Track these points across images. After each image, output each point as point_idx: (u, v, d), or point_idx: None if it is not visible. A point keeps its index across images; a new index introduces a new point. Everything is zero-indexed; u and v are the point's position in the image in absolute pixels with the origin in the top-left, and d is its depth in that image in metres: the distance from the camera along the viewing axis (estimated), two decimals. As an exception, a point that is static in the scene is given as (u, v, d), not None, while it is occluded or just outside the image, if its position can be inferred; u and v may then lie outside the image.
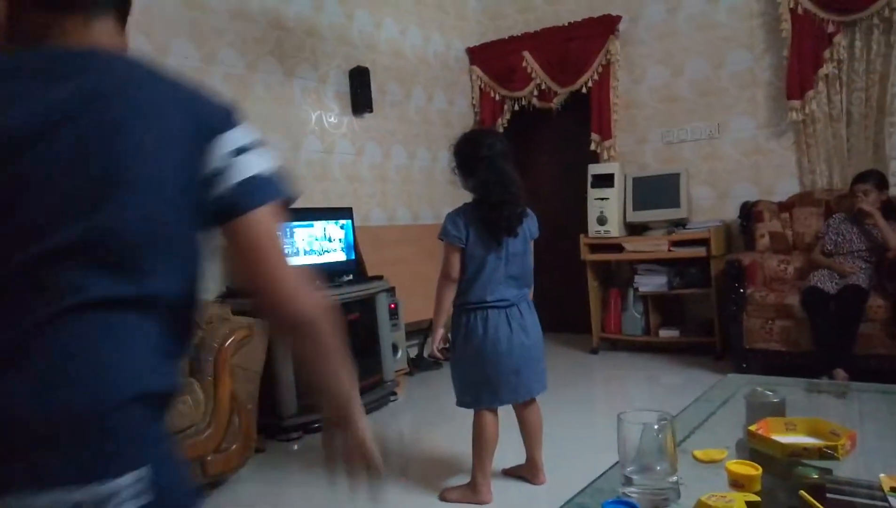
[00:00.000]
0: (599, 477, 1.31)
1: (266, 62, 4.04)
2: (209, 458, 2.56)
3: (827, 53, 4.19)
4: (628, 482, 1.21)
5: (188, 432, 2.48)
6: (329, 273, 3.76)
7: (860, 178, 3.78)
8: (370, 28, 4.78)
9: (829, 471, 1.26)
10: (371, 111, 4.65)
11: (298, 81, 4.24)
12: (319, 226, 3.84)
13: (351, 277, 3.86)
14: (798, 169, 4.48)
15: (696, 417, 1.69)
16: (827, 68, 4.20)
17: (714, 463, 1.34)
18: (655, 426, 1.24)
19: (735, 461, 1.27)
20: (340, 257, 3.93)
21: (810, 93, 4.25)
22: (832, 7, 4.14)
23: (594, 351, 4.88)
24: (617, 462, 1.29)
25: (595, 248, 4.87)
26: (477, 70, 5.66)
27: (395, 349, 4.04)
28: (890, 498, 1.10)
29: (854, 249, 3.76)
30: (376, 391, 3.77)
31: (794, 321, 3.70)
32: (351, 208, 4.11)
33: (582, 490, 1.27)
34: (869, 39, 4.11)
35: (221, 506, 2.56)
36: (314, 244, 3.79)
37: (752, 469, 1.20)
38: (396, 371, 4.04)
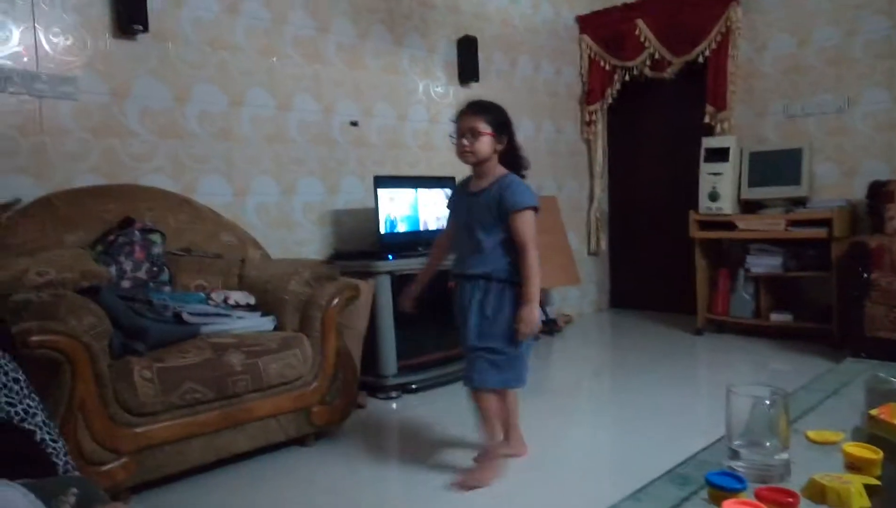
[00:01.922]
0: (704, 450, 1.29)
1: (376, 31, 4.11)
2: (314, 409, 2.70)
3: (982, 18, 3.78)
4: (735, 455, 1.18)
5: (296, 383, 2.62)
6: (432, 240, 3.82)
7: None
8: (479, -4, 4.76)
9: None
10: (477, 80, 4.65)
11: (407, 50, 4.29)
12: (424, 194, 3.91)
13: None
14: (939, 146, 4.10)
15: (810, 399, 1.62)
16: (981, 34, 3.80)
17: (828, 445, 1.28)
18: (767, 402, 1.21)
19: (853, 443, 1.21)
20: (443, 225, 3.98)
21: (959, 62, 3.86)
22: None
23: (699, 332, 4.72)
24: (722, 437, 1.26)
25: (705, 225, 4.67)
26: (587, 38, 5.52)
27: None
28: None
29: None
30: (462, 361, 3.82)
31: (924, 310, 3.42)
32: (454, 178, 4.15)
33: (684, 461, 1.25)
34: None
35: (325, 454, 2.70)
36: (419, 212, 3.86)
37: (871, 453, 1.15)
38: (493, 340, 4.07)
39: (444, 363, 3.66)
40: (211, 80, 3.38)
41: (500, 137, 2.35)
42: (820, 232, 4.13)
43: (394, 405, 3.39)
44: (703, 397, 3.43)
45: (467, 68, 4.57)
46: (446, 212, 2.59)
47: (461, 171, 4.47)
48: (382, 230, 3.67)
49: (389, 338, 3.46)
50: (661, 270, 5.50)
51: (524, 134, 5.11)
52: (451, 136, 2.42)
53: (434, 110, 4.48)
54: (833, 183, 4.51)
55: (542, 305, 4.86)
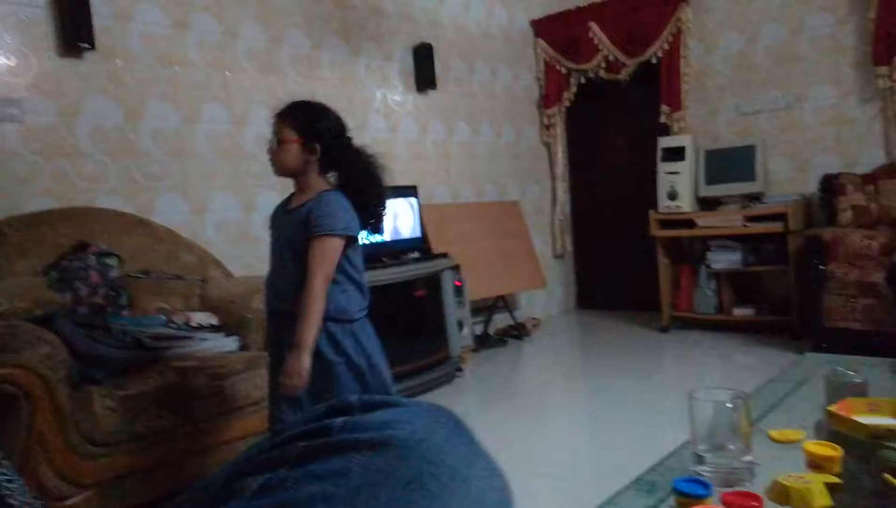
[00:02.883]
0: (670, 456, 1.30)
1: (331, 41, 4.09)
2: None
3: (919, 13, 3.92)
4: (700, 460, 1.19)
5: (263, 404, 2.58)
6: (396, 251, 3.81)
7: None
8: (433, 3, 4.76)
9: (914, 454, 1.21)
10: (435, 88, 4.65)
11: (363, 59, 4.27)
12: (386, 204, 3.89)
13: (417, 254, 3.90)
14: (884, 139, 4.23)
15: (772, 396, 1.65)
16: (919, 30, 3.93)
17: (790, 444, 1.30)
18: (729, 405, 1.22)
19: (814, 441, 1.23)
20: (406, 234, 3.98)
21: (900, 57, 3.99)
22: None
23: (664, 329, 4.79)
24: (687, 441, 1.27)
25: (665, 224, 4.75)
26: (542, 43, 5.57)
27: (460, 325, 4.07)
28: (984, 484, 1.04)
29: (947, 222, 3.54)
30: (442, 366, 3.82)
31: (878, 298, 3.52)
32: (416, 187, 4.15)
33: (652, 468, 1.26)
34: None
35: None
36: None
37: (832, 451, 1.17)
38: (462, 348, 4.08)
39: (415, 375, 3.64)
40: (163, 96, 3.32)
41: (311, 146, 1.96)
42: (776, 226, 4.23)
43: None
44: (672, 394, 3.47)
45: (424, 76, 4.57)
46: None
47: (425, 180, 4.50)
48: (345, 243, 3.64)
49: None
50: (625, 269, 5.57)
51: (484, 139, 5.14)
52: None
53: (393, 119, 4.47)
54: (787, 178, 4.62)
55: (511, 310, 4.91)
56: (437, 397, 3.63)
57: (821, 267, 3.73)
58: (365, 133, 4.26)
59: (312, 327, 1.84)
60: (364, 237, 2.16)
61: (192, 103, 3.42)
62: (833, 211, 4.13)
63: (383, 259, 3.56)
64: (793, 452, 1.24)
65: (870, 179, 4.11)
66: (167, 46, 3.33)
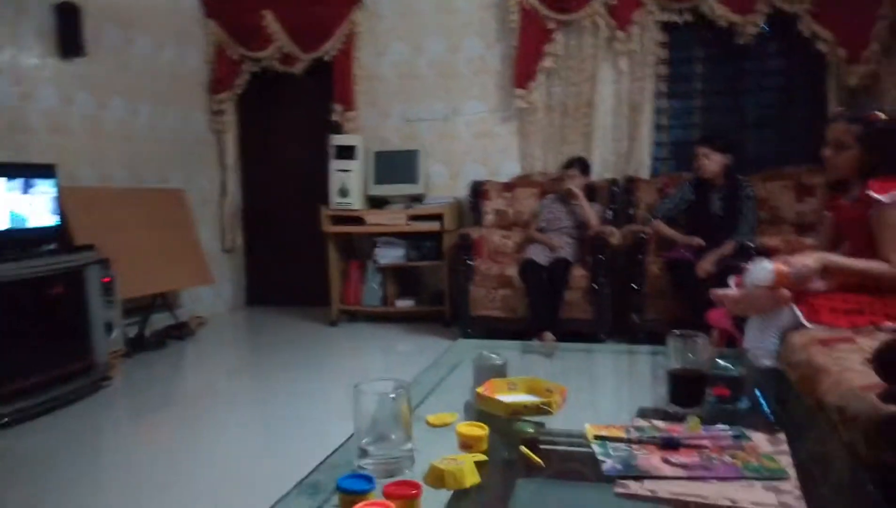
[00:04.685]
0: (334, 452, 1.27)
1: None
2: None
3: (548, 48, 4.62)
4: (364, 454, 1.18)
5: None
6: (24, 241, 3.19)
7: (568, 164, 4.28)
8: (81, -42, 4.13)
9: (542, 425, 1.37)
10: (83, 55, 4.03)
11: (-17, 7, 3.50)
12: (10, 185, 3.23)
13: (54, 246, 3.32)
14: (519, 153, 4.91)
15: (429, 383, 1.74)
16: (547, 62, 4.64)
17: (446, 427, 1.38)
18: (392, 395, 1.23)
19: (464, 423, 1.31)
20: (40, 221, 3.36)
21: (532, 83, 4.66)
22: (553, 6, 4.57)
23: (333, 323, 4.87)
24: (353, 435, 1.26)
25: (337, 220, 4.84)
26: (213, 24, 5.23)
27: (108, 328, 3.58)
28: (593, 445, 1.22)
29: (563, 226, 4.24)
30: (85, 376, 3.32)
31: (513, 289, 4.07)
32: (54, 166, 3.53)
33: (316, 467, 1.21)
34: (581, 40, 4.62)
35: None
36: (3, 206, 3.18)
37: (479, 430, 1.25)
38: (111, 353, 3.59)
39: (47, 388, 3.09)
40: None
41: None
42: (434, 226, 4.62)
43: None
44: (340, 388, 3.51)
45: (69, 39, 3.93)
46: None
47: (67, 159, 3.85)
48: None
49: None
50: (297, 264, 5.54)
51: (145, 120, 4.64)
52: None
53: (27, 86, 3.75)
54: (444, 182, 5.07)
55: (173, 308, 4.50)
56: (79, 411, 3.14)
57: (469, 262, 4.17)
58: (-17, 97, 3.51)
59: None
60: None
61: None
62: (480, 213, 4.66)
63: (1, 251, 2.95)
64: (448, 435, 1.30)
65: (509, 187, 4.73)
66: None
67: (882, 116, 2.19)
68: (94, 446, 2.82)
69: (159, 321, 4.55)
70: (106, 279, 3.57)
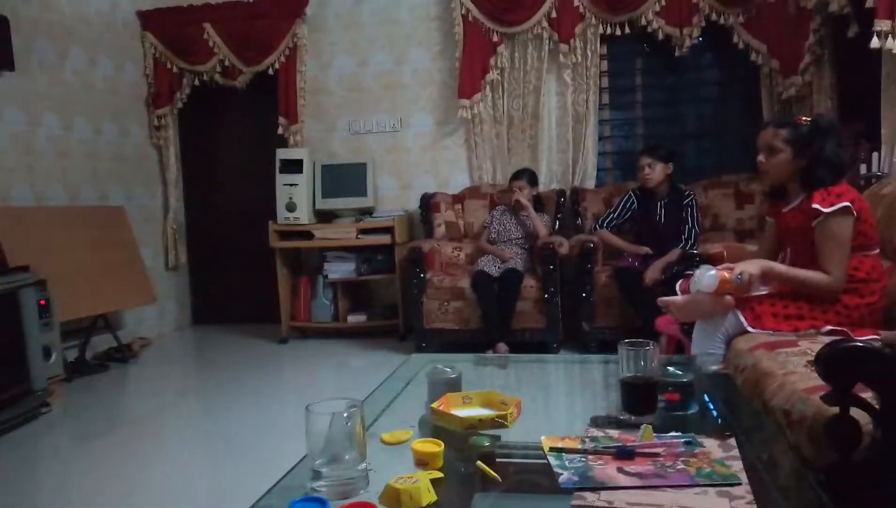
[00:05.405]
0: (286, 475, 1.24)
1: None
2: None
3: (492, 61, 4.67)
4: (317, 476, 1.15)
5: None
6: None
7: (516, 175, 4.31)
8: (9, -31, 3.97)
9: (498, 438, 1.36)
10: (13, 69, 3.87)
11: None
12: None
13: (-16, 268, 3.17)
14: (468, 165, 4.93)
15: (383, 400, 1.71)
16: (492, 74, 4.68)
17: (401, 444, 1.36)
18: (345, 415, 1.20)
19: (420, 440, 1.30)
20: None
21: (478, 95, 4.69)
22: (496, 19, 4.62)
23: (283, 341, 4.78)
24: (305, 456, 1.23)
25: (284, 235, 4.76)
26: (150, 37, 5.10)
27: (47, 352, 3.42)
28: (549, 457, 1.22)
29: (512, 237, 4.27)
30: (21, 404, 3.16)
31: (465, 301, 4.07)
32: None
33: (268, 491, 1.18)
34: (525, 52, 4.68)
35: None
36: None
37: (434, 446, 1.24)
38: (49, 378, 3.43)
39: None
40: None
41: None
42: (385, 239, 4.58)
43: None
44: (291, 408, 3.44)
45: (-2, 53, 3.77)
46: None
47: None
48: None
49: None
50: (244, 281, 5.42)
51: (80, 136, 4.48)
52: None
53: (-50, 101, 3.58)
54: (394, 195, 5.05)
55: (115, 330, 4.34)
56: (17, 439, 2.99)
57: (421, 275, 4.15)
58: None
59: None
60: None
61: None
62: (430, 226, 4.65)
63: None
64: (404, 452, 1.28)
65: (458, 198, 4.74)
66: None
67: (807, 119, 2.28)
68: (33, 475, 2.68)
69: (101, 343, 4.38)
70: (42, 302, 3.42)
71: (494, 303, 3.94)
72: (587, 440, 1.27)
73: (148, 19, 5.11)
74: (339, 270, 4.79)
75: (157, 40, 5.10)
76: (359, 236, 4.64)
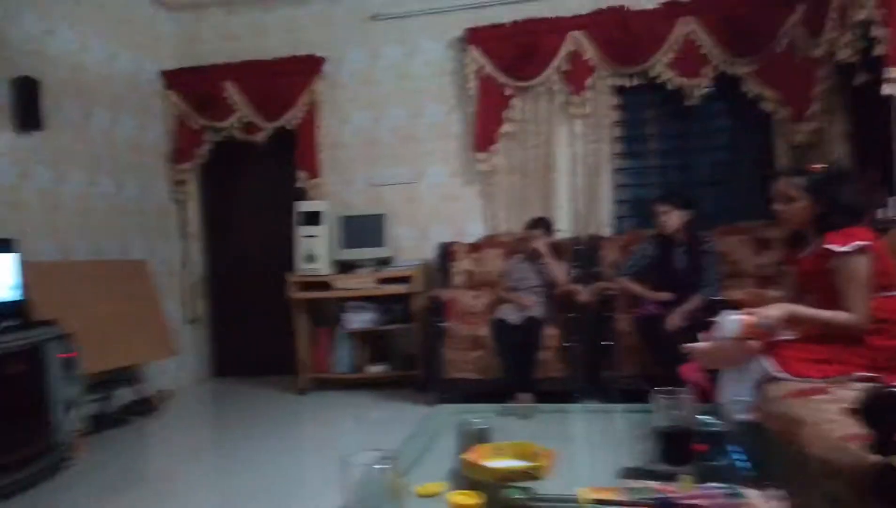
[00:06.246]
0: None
1: None
2: None
3: (506, 113, 4.76)
4: (356, 530, 1.14)
5: None
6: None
7: (532, 224, 4.34)
8: (39, 33, 4.13)
9: (528, 490, 1.35)
10: (41, 129, 4.00)
11: (-60, 84, 3.46)
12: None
13: (11, 322, 3.20)
14: (484, 214, 4.98)
15: (413, 452, 1.70)
16: (507, 126, 4.77)
17: (435, 496, 1.35)
18: (377, 467, 1.21)
19: (455, 492, 1.29)
20: (-2, 298, 3.25)
21: (493, 147, 4.78)
22: (510, 73, 4.73)
23: (303, 392, 4.76)
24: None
25: (304, 286, 4.79)
26: (173, 96, 5.26)
27: (70, 406, 3.43)
28: (589, 510, 1.20)
29: (531, 285, 4.27)
30: (43, 459, 3.16)
31: (485, 350, 4.05)
32: (10, 240, 3.44)
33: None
34: (537, 105, 4.77)
35: None
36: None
37: (472, 499, 1.23)
38: (73, 432, 3.43)
39: (4, 472, 2.93)
40: None
41: None
42: (403, 288, 4.60)
43: None
44: (312, 461, 3.42)
45: (27, 113, 3.90)
46: None
47: (24, 234, 3.75)
48: None
49: None
50: (263, 333, 5.44)
51: (104, 191, 4.58)
52: None
53: (-18, 160, 3.69)
54: (411, 245, 5.09)
55: (137, 383, 4.34)
56: (39, 495, 2.97)
57: (440, 324, 4.14)
58: (-61, 174, 3.43)
59: None
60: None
61: None
62: (448, 275, 4.68)
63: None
64: (438, 504, 1.27)
65: (475, 247, 4.77)
66: None
67: (818, 166, 2.30)
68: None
69: (123, 395, 4.39)
70: (67, 355, 3.44)
71: (515, 352, 3.92)
72: (626, 491, 1.26)
73: (171, 79, 5.27)
74: (359, 320, 4.80)
75: (179, 99, 5.25)
76: (378, 286, 4.67)
